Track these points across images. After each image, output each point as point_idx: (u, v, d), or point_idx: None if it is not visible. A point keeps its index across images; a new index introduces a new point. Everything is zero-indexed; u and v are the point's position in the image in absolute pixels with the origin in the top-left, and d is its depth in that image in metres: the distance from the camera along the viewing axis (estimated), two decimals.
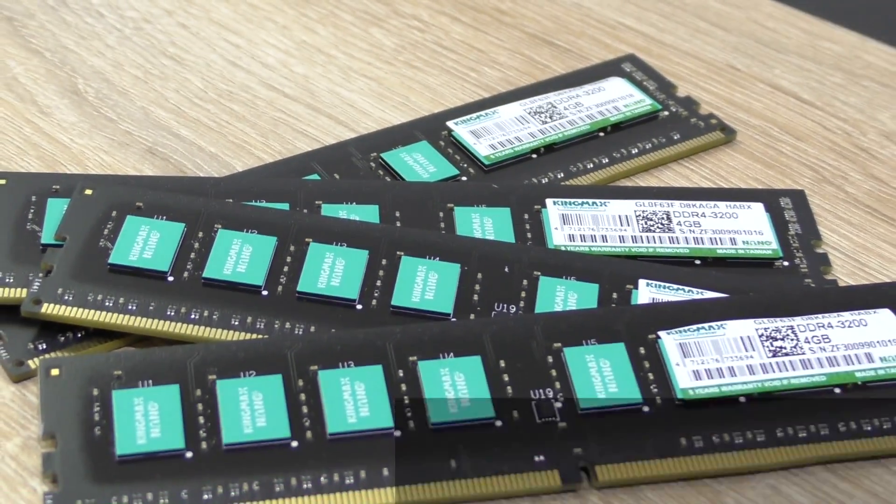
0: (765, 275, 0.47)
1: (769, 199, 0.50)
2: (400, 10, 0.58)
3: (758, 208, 0.49)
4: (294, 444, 0.41)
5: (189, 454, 0.41)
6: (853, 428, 0.42)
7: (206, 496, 0.40)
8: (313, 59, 0.55)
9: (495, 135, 0.52)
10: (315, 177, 0.50)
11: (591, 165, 0.51)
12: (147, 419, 0.41)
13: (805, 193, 0.50)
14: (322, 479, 0.40)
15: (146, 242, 0.45)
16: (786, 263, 0.48)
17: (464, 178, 0.50)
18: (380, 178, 0.50)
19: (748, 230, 0.48)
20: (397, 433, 0.41)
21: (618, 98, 0.54)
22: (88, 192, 0.47)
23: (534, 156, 0.51)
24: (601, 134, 0.52)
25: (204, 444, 0.41)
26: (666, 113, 0.53)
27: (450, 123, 0.52)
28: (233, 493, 0.40)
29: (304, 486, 0.40)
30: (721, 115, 0.54)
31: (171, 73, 0.54)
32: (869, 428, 0.42)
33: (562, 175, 0.51)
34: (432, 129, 0.52)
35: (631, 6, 0.59)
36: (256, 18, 0.57)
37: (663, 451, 0.42)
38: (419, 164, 0.51)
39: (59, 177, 0.48)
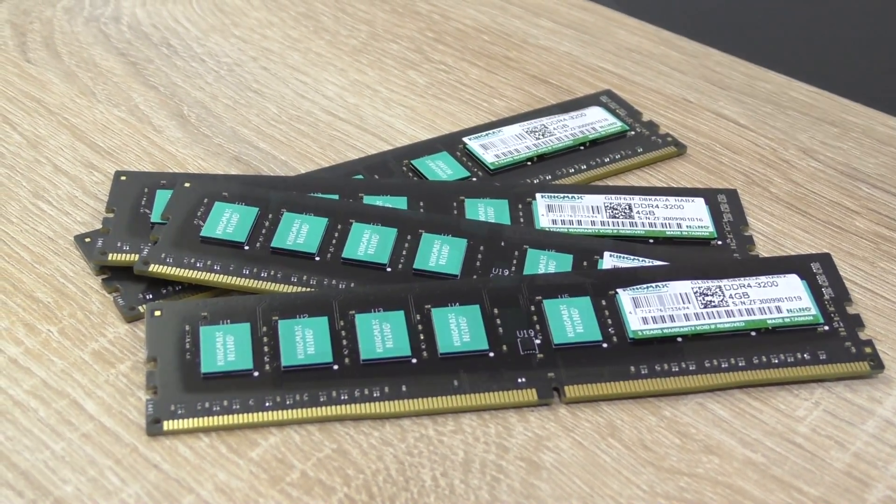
0: (703, 250, 0.50)
1: (709, 195, 0.52)
2: (431, 58, 0.61)
3: (699, 202, 0.52)
4: (335, 366, 0.44)
5: (256, 373, 0.44)
6: (763, 361, 0.45)
7: (267, 403, 0.43)
8: (363, 92, 0.59)
9: (499, 147, 0.55)
10: (359, 177, 0.53)
11: (573, 170, 0.54)
12: (225, 347, 0.44)
13: (737, 192, 0.53)
14: (356, 392, 0.43)
15: (229, 221, 0.49)
16: (720, 242, 0.50)
17: (474, 179, 0.53)
18: (409, 178, 0.53)
19: (691, 218, 0.51)
20: (413, 360, 0.44)
21: (595, 121, 0.56)
22: (187, 185, 0.50)
23: (529, 163, 0.54)
24: (581, 147, 0.55)
25: (267, 367, 0.44)
26: (632, 133, 0.56)
27: (465, 139, 0.55)
28: (288, 402, 0.43)
29: (342, 397, 0.43)
30: (675, 134, 0.56)
31: (254, 103, 0.58)
32: (776, 361, 0.45)
33: (550, 177, 0.53)
34: (451, 143, 0.55)
35: (610, 55, 0.62)
36: (321, 63, 0.61)
37: (616, 376, 0.44)
38: (440, 168, 0.54)
39: (166, 175, 0.52)
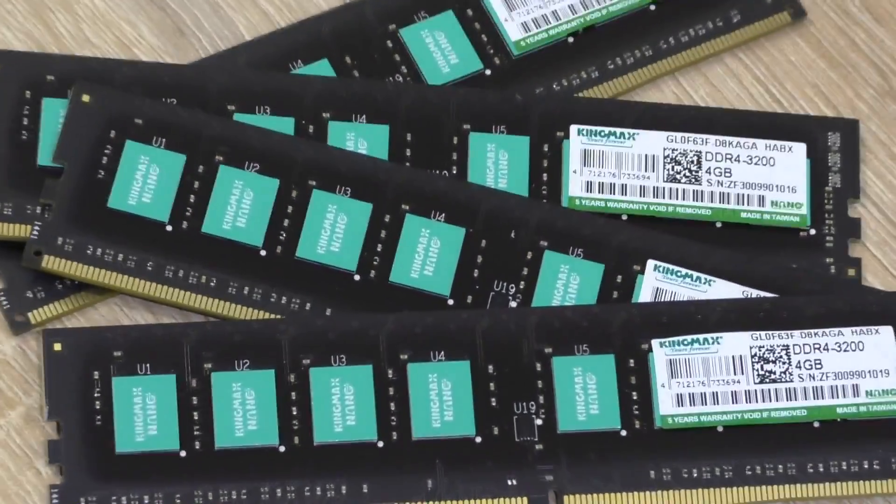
0: (785, 248, 0.64)
1: (817, 132, 0.66)
2: None
3: (798, 153, 0.65)
4: (282, 448, 0.62)
5: (183, 453, 0.62)
6: (820, 470, 0.62)
7: (196, 500, 0.61)
8: None
9: (531, 5, 0.66)
10: (325, 64, 0.66)
11: (632, 60, 0.67)
12: (145, 413, 0.62)
13: (858, 125, 0.65)
14: (306, 489, 0.62)
15: (146, 180, 0.63)
16: (812, 232, 0.65)
17: (487, 73, 0.65)
18: (395, 63, 0.66)
19: (780, 185, 0.65)
20: (380, 443, 0.62)
21: None
22: (86, 98, 0.63)
23: (570, 39, 0.66)
24: (652, 7, 0.66)
25: (197, 443, 0.63)
26: None
27: None
28: (222, 499, 0.61)
29: (289, 496, 0.61)
30: None
31: None
32: (835, 471, 0.62)
33: (596, 75, 0.67)
34: None
35: None
36: None
37: (631, 484, 0.62)
38: (440, 50, 0.66)
39: (55, 59, 0.65)
